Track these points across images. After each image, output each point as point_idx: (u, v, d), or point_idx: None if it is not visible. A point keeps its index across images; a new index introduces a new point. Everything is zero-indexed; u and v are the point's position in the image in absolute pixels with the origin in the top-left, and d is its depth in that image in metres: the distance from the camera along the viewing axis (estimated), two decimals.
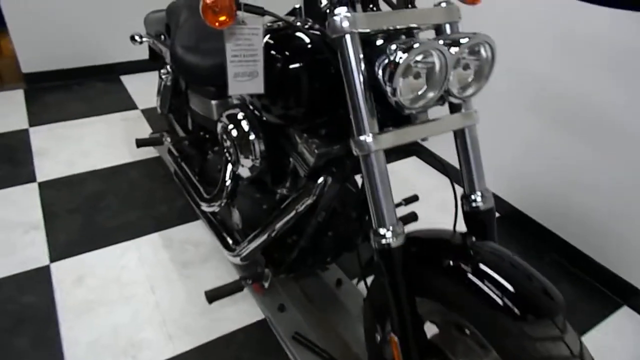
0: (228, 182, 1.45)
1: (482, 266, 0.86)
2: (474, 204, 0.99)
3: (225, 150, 1.32)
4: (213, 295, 1.22)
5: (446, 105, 0.95)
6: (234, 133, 1.24)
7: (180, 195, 2.13)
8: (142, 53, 3.24)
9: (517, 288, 0.81)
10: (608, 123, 1.68)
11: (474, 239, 0.95)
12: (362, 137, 0.85)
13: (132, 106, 2.94)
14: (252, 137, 1.20)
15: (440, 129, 0.93)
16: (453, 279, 0.88)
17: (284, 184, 1.29)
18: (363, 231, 1.36)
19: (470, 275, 0.85)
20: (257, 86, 0.94)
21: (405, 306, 0.91)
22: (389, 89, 0.81)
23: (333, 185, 1.15)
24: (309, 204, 1.19)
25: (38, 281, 1.68)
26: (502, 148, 2.13)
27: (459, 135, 0.99)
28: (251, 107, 1.23)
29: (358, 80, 0.83)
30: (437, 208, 2.12)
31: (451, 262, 0.89)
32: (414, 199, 1.31)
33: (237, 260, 1.41)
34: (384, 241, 0.87)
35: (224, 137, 1.30)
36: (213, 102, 1.51)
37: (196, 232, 1.95)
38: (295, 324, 1.50)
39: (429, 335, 1.01)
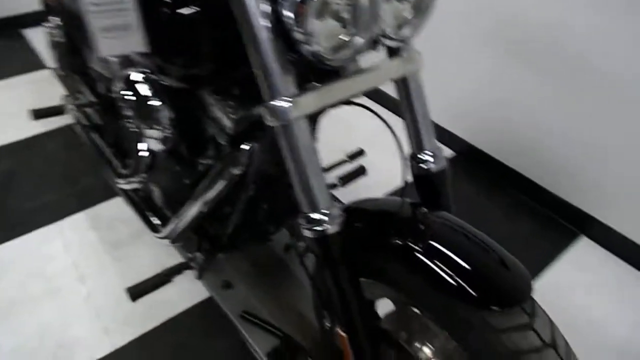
0: (143, 155, 1.23)
1: (434, 244, 0.72)
2: (423, 166, 0.83)
3: (127, 120, 1.09)
4: (136, 292, 1.05)
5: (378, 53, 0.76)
6: (134, 100, 1.01)
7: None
8: None
9: (477, 270, 0.68)
10: (565, 53, 1.53)
11: (425, 209, 0.81)
12: (275, 103, 0.66)
13: (39, 65, 2.56)
14: (155, 103, 0.98)
15: (376, 81, 0.75)
16: (401, 260, 0.74)
17: (205, 154, 1.10)
18: None
19: (420, 256, 0.71)
20: (134, 42, 0.72)
21: (351, 299, 0.77)
22: (300, 37, 0.61)
23: (260, 153, 0.96)
24: (237, 175, 1.00)
25: None
26: (455, 82, 1.97)
27: (401, 85, 0.81)
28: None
29: (260, 27, 0.63)
30: (391, 154, 1.98)
31: (398, 240, 0.75)
32: (359, 153, 1.14)
33: (167, 242, 1.23)
34: (318, 228, 0.71)
35: (124, 104, 1.07)
36: (114, 59, 1.25)
37: (126, 206, 1.73)
38: (244, 302, 1.36)
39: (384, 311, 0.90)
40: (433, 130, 0.84)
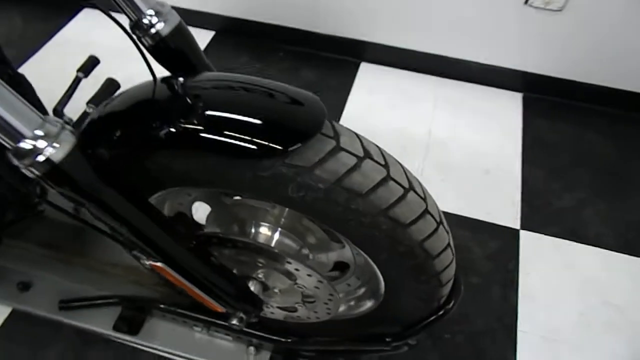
0: None
1: (210, 112, 0.58)
2: (152, 31, 0.65)
3: None
4: None
5: None
6: None
7: None
8: None
9: (264, 118, 0.57)
10: None
11: (181, 79, 0.65)
12: None
13: None
14: None
15: None
16: (183, 148, 0.59)
17: None
18: None
19: (202, 134, 0.57)
20: None
21: (145, 223, 0.61)
22: None
23: None
24: None
25: None
26: None
27: None
28: None
29: None
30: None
31: (170, 128, 0.59)
32: (92, 63, 0.87)
33: None
34: (40, 159, 0.50)
35: None
36: None
37: None
38: (53, 294, 1.10)
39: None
40: None
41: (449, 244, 0.67)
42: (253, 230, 0.78)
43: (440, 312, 0.74)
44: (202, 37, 1.84)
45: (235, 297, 0.73)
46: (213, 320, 0.99)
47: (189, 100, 0.61)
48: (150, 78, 0.64)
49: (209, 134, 0.56)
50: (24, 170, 0.50)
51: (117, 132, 0.63)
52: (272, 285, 0.79)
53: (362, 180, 0.58)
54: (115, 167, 0.60)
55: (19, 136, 0.48)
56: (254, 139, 0.55)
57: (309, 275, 0.71)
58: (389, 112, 1.61)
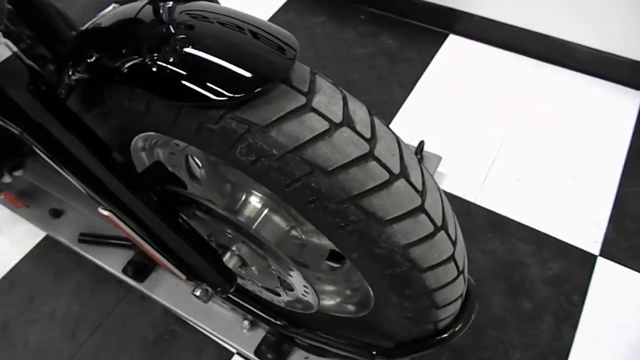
0: None
1: (179, 48, 0.48)
2: None
3: None
4: None
5: None
6: None
7: None
8: None
9: (226, 56, 0.46)
10: None
11: (169, 3, 0.55)
12: None
13: None
14: None
15: None
16: (139, 86, 0.50)
17: None
18: None
19: (152, 71, 0.47)
20: None
21: (92, 162, 0.53)
22: None
23: None
24: None
25: None
26: None
27: None
28: None
29: None
30: None
31: (134, 61, 0.50)
32: None
33: None
34: None
35: None
36: None
37: None
38: (78, 225, 1.12)
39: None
40: None
41: (452, 258, 0.51)
42: (241, 199, 0.68)
43: (436, 338, 0.59)
44: None
45: (200, 268, 0.64)
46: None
47: (164, 29, 0.51)
48: None
49: (159, 72, 0.47)
50: None
51: (89, 57, 0.55)
52: (250, 262, 0.69)
53: (330, 154, 0.45)
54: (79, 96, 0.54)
55: None
56: (205, 83, 0.44)
57: (278, 259, 0.60)
58: (468, 94, 1.40)
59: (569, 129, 1.29)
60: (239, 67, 0.44)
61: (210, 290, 0.66)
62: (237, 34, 0.47)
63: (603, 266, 1.05)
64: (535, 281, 1.04)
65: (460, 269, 0.53)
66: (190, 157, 0.72)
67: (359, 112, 0.48)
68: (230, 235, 0.66)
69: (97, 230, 1.10)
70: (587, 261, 1.06)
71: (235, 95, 0.43)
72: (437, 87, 1.43)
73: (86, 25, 0.59)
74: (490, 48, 1.51)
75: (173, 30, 0.49)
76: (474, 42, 1.53)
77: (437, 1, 1.55)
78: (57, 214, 1.15)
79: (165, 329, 1.04)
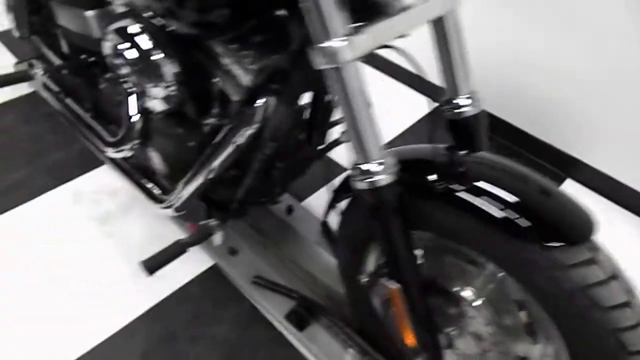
0: (135, 119, 1.13)
1: (488, 186, 0.71)
2: (459, 110, 0.80)
3: (120, 78, 0.99)
4: (152, 265, 0.98)
5: None
6: (131, 54, 0.91)
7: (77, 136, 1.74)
8: None
9: (539, 207, 0.67)
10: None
11: (462, 151, 0.78)
12: (329, 44, 0.60)
13: None
14: (157, 56, 0.89)
15: (420, 19, 0.70)
16: (454, 208, 0.72)
17: (211, 112, 1.02)
18: (312, 150, 1.14)
19: (473, 199, 0.70)
20: None
21: (403, 248, 0.75)
22: None
23: (280, 108, 0.90)
24: (251, 134, 0.94)
25: None
26: None
27: (437, 25, 0.76)
28: (149, 14, 0.89)
29: None
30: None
31: (441, 185, 0.73)
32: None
33: (170, 212, 1.16)
34: (372, 179, 0.68)
35: (116, 60, 0.96)
36: (89, 13, 1.12)
37: (108, 177, 1.62)
38: (252, 266, 1.33)
39: None
40: (470, 72, 0.81)
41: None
42: (460, 288, 0.87)
43: None
44: (416, 112, 1.99)
45: (428, 341, 0.83)
46: (369, 349, 1.10)
47: (463, 170, 0.74)
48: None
49: (476, 200, 0.69)
50: (356, 182, 0.68)
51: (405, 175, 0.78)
52: (457, 346, 0.87)
53: (606, 296, 0.64)
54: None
55: (368, 157, 0.66)
56: (518, 220, 0.66)
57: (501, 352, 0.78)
58: None
59: None
60: (560, 222, 0.65)
61: None
62: (550, 193, 0.69)
63: None
64: None
65: None
66: None
67: (621, 272, 0.68)
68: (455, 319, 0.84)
69: (264, 274, 1.30)
70: None
71: (552, 244, 0.64)
72: None
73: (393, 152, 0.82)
74: (605, 201, 1.71)
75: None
76: (589, 191, 1.74)
77: (558, 144, 1.79)
78: (233, 251, 1.36)
79: None
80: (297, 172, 1.17)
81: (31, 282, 1.32)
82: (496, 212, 0.68)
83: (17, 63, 1.97)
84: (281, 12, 0.79)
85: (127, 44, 0.91)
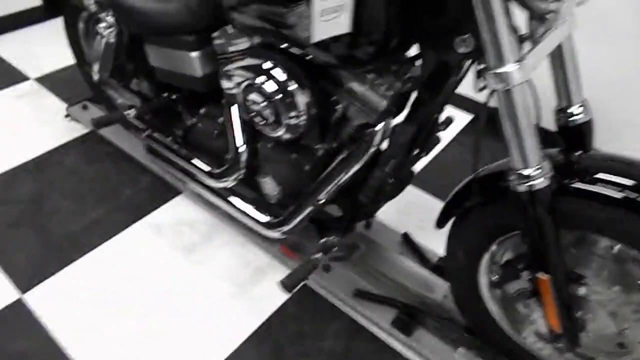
0: (242, 149, 1.21)
1: (607, 176, 0.81)
2: (572, 118, 0.91)
3: (252, 113, 1.07)
4: (291, 284, 1.05)
5: None
6: (268, 88, 1.00)
7: (143, 172, 1.80)
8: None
9: None
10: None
11: (578, 152, 0.89)
12: (504, 69, 0.70)
13: (20, 77, 2.34)
14: (293, 87, 0.98)
15: (556, 41, 0.81)
16: (585, 200, 0.83)
17: (326, 137, 1.11)
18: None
19: (598, 189, 0.80)
20: (344, 23, 0.72)
21: (554, 242, 0.84)
22: None
23: (405, 128, 0.99)
24: (372, 154, 1.04)
25: (16, 318, 1.35)
26: None
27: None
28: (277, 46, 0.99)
29: None
30: None
31: (579, 184, 0.83)
32: (447, 122, 1.20)
33: (279, 235, 1.23)
34: (530, 183, 0.77)
35: (245, 96, 1.04)
36: (193, 54, 1.21)
37: (183, 209, 1.68)
38: (349, 281, 1.39)
39: None
40: (581, 85, 0.91)
41: None
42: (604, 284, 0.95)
43: None
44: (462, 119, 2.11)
45: (570, 326, 0.91)
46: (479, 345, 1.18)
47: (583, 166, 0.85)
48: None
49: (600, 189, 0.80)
50: (516, 185, 0.78)
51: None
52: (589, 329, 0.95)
53: None
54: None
55: (527, 164, 0.76)
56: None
57: None
58: None
59: None
60: None
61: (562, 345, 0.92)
62: None
63: None
64: None
65: None
66: None
67: None
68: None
69: (364, 287, 1.37)
70: None
71: None
72: None
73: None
74: None
75: None
76: None
77: None
78: (327, 268, 1.43)
79: None
80: (400, 188, 1.24)
81: (133, 318, 1.36)
82: (618, 194, 0.79)
83: (70, 106, 2.04)
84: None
85: (263, 79, 0.99)
